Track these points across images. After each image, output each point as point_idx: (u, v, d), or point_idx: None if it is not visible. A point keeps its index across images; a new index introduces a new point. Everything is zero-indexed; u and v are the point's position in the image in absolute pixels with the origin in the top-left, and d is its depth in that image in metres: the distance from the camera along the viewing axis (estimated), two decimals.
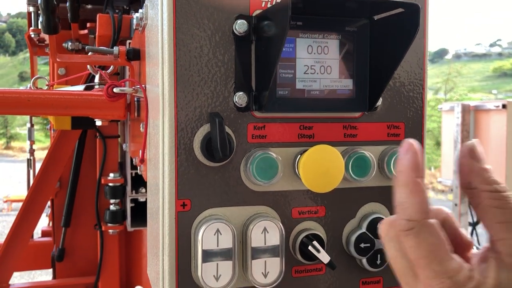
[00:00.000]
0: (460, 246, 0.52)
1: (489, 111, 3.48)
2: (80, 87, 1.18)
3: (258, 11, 0.63)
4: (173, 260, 0.62)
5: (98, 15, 1.25)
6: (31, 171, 2.13)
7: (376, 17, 0.65)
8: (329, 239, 0.69)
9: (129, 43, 1.18)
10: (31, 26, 1.87)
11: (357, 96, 0.67)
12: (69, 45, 1.65)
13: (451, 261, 0.46)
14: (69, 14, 1.37)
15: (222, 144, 0.59)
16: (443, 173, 4.05)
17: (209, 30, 0.61)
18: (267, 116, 0.64)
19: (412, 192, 0.48)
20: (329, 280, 0.70)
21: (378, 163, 0.70)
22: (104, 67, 1.12)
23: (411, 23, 0.58)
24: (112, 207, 1.59)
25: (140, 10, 0.79)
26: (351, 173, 0.66)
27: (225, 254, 0.61)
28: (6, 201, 9.35)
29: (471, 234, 3.65)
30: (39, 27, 1.86)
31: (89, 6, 1.70)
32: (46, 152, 1.54)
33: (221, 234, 0.61)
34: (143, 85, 0.81)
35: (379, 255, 0.70)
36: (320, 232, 0.68)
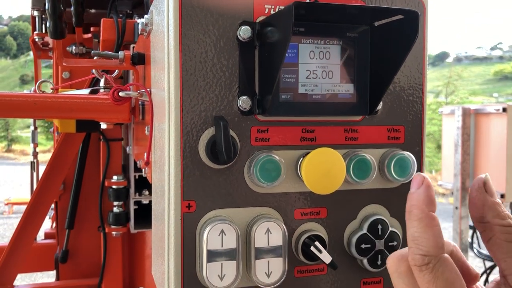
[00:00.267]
0: (467, 279, 0.52)
1: (489, 114, 3.49)
2: (85, 91, 1.20)
3: (261, 18, 0.64)
4: (178, 260, 0.63)
5: (102, 20, 1.27)
6: (35, 174, 2.14)
7: (376, 23, 0.67)
8: (330, 240, 0.70)
9: (133, 47, 1.19)
10: (35, 30, 1.90)
11: (358, 100, 0.69)
12: (73, 49, 1.67)
13: None
14: (73, 19, 1.39)
15: (227, 147, 0.61)
16: (443, 176, 4.06)
17: (214, 36, 0.63)
18: (270, 120, 0.66)
19: (427, 226, 0.47)
20: (330, 280, 0.71)
21: (378, 166, 0.71)
22: (108, 71, 1.14)
23: (410, 29, 0.60)
24: (115, 209, 1.60)
25: (146, 16, 0.81)
26: (352, 175, 0.68)
27: (229, 254, 0.63)
28: (7, 204, 9.37)
29: (472, 237, 3.66)
30: (43, 31, 1.89)
31: (92, 11, 1.71)
32: (47, 154, 1.55)
33: (225, 234, 0.62)
34: (148, 89, 0.82)
35: (379, 256, 0.71)
36: (322, 233, 0.69)
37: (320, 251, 0.66)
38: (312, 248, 0.66)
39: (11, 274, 1.59)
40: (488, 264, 3.39)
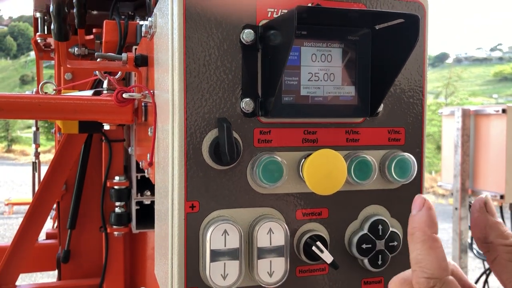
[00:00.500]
0: None
1: (489, 115, 3.50)
2: (88, 92, 1.21)
3: (264, 21, 0.65)
4: (182, 260, 0.64)
5: (104, 22, 1.28)
6: (36, 174, 2.15)
7: (377, 27, 0.68)
8: (332, 240, 0.71)
9: (135, 49, 1.20)
10: (38, 31, 1.91)
11: (359, 102, 0.69)
12: (75, 50, 1.68)
13: None
14: (76, 20, 1.40)
15: (230, 148, 0.62)
16: (443, 177, 4.07)
17: (217, 39, 0.64)
18: (273, 122, 0.67)
19: (430, 248, 0.47)
20: (331, 280, 0.72)
21: (379, 167, 0.72)
22: (111, 73, 1.15)
23: (411, 33, 0.61)
24: (117, 210, 1.61)
25: (149, 19, 0.82)
26: (353, 176, 0.68)
27: (232, 254, 0.63)
28: (7, 204, 9.37)
29: (471, 238, 3.66)
30: (46, 32, 1.90)
31: (95, 12, 1.73)
32: (47, 155, 1.56)
33: (228, 234, 0.63)
34: (151, 91, 0.83)
35: (380, 256, 0.72)
36: (323, 233, 0.70)
37: (321, 251, 0.67)
38: (313, 248, 0.67)
39: (13, 274, 1.60)
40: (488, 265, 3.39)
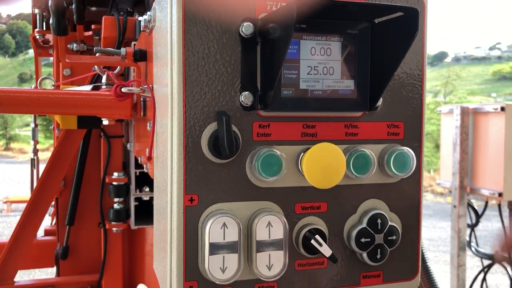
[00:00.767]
0: None
1: (487, 113, 3.51)
2: (87, 87, 1.21)
3: (263, 14, 0.65)
4: (181, 253, 0.64)
5: (103, 17, 1.28)
6: (35, 171, 2.15)
7: (376, 21, 0.68)
8: (330, 234, 0.71)
9: (134, 44, 1.20)
10: (36, 28, 1.90)
11: (358, 96, 0.70)
12: (74, 46, 1.67)
13: None
14: (74, 16, 1.40)
15: (229, 142, 0.62)
16: (442, 175, 4.07)
17: (216, 32, 0.64)
18: (272, 115, 0.67)
19: None
20: (330, 273, 0.72)
21: (378, 161, 0.72)
22: (109, 68, 1.15)
23: (410, 26, 0.61)
24: (116, 206, 1.61)
25: (148, 13, 0.82)
26: (352, 170, 0.69)
27: (231, 247, 0.64)
28: (5, 202, 9.36)
29: (470, 236, 3.67)
30: (44, 28, 1.89)
31: (93, 8, 1.72)
32: (45, 153, 1.56)
33: (227, 227, 0.63)
34: (150, 85, 0.83)
35: (379, 250, 0.72)
36: (322, 226, 0.70)
37: (320, 245, 0.67)
38: (312, 241, 0.67)
39: (11, 270, 1.59)
40: (486, 262, 3.40)
